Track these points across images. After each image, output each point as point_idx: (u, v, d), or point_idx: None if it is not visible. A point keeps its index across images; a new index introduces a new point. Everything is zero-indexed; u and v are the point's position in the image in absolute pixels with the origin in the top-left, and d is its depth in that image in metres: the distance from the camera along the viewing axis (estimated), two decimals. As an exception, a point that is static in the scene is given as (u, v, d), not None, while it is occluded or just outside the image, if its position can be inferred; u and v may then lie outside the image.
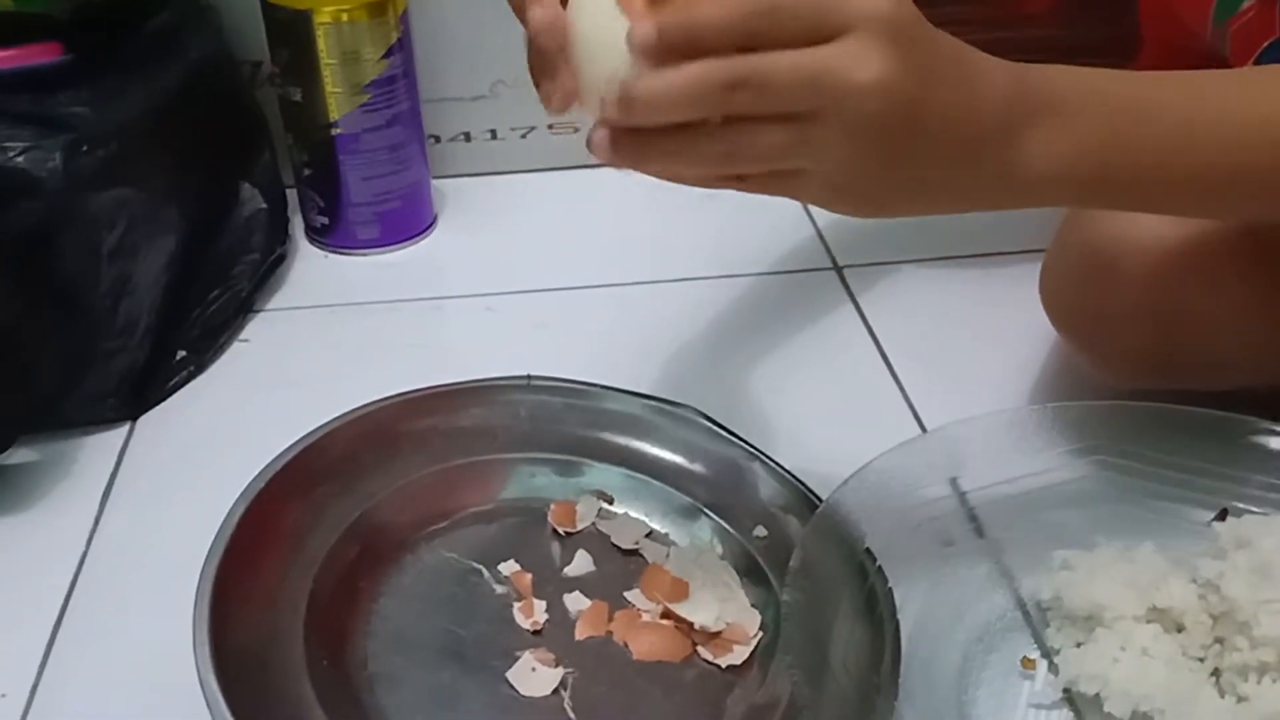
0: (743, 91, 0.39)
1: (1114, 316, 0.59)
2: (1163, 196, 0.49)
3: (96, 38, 0.69)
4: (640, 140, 0.41)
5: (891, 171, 0.43)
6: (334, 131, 0.79)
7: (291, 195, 0.84)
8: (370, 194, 0.82)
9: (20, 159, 0.62)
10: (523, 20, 0.43)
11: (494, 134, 0.92)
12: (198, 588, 0.48)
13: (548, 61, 0.43)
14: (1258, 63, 0.63)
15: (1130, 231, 0.58)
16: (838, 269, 0.81)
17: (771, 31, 0.39)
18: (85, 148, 0.64)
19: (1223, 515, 0.54)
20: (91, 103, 0.67)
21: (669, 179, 0.43)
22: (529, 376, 0.62)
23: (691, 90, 0.39)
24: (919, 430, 0.67)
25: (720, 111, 0.40)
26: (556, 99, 0.43)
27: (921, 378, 0.71)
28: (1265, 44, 0.62)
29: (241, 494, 0.52)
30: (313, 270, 0.83)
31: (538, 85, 0.44)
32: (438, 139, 0.90)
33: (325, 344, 0.76)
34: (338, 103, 0.78)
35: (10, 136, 0.63)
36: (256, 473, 0.54)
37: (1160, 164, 0.47)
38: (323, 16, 0.75)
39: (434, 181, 0.87)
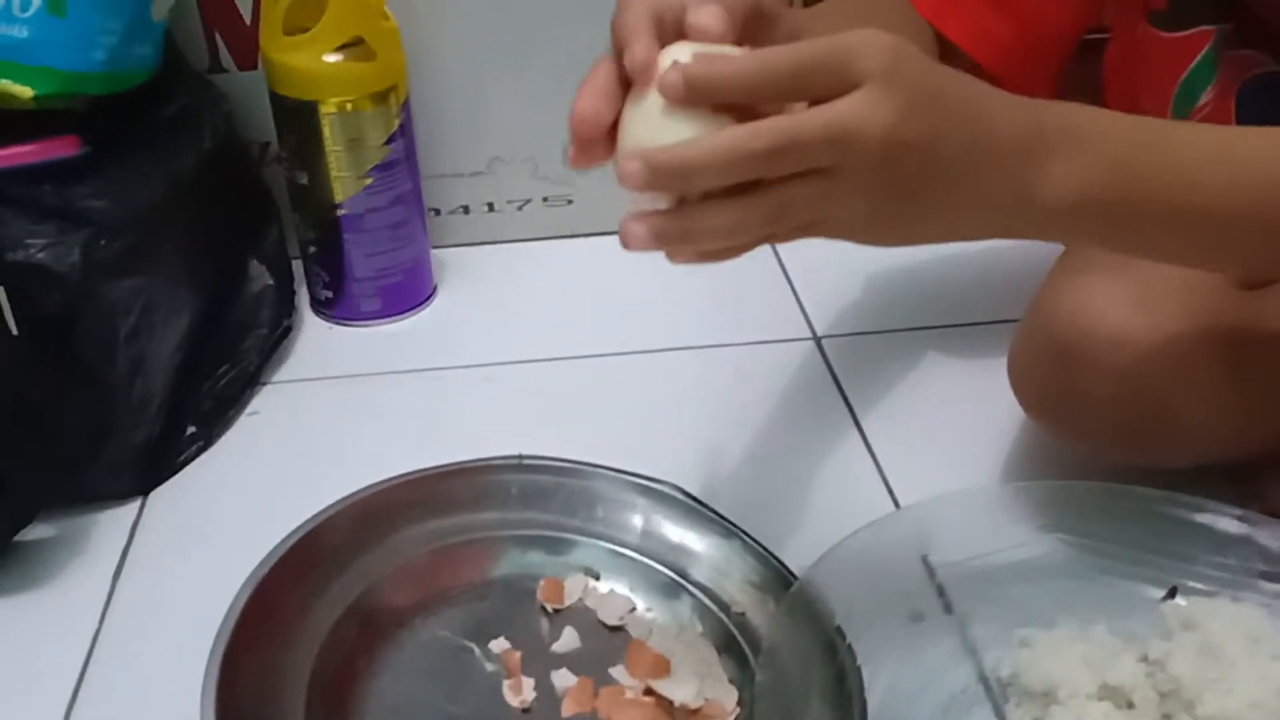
0: (776, 158, 0.42)
1: (1082, 402, 0.61)
2: (1175, 232, 0.50)
3: (114, 129, 0.73)
4: (680, 218, 0.43)
5: (913, 207, 0.45)
6: (339, 212, 0.83)
7: (296, 265, 0.88)
8: (373, 269, 0.86)
9: (42, 255, 0.66)
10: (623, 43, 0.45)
11: (491, 206, 0.95)
12: (206, 668, 0.51)
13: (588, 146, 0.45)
14: None
15: (1098, 322, 0.59)
16: (816, 339, 0.84)
17: (794, 91, 0.42)
18: (104, 241, 0.68)
19: (1172, 593, 0.57)
20: (109, 195, 0.70)
21: (698, 259, 0.45)
22: (520, 456, 0.65)
23: (731, 155, 0.41)
24: (892, 503, 0.70)
25: (754, 176, 0.42)
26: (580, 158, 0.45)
27: (896, 449, 0.74)
28: None
29: (248, 578, 0.55)
30: (318, 342, 0.86)
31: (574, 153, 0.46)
32: (437, 211, 0.94)
33: (330, 415, 0.79)
34: (343, 185, 0.82)
35: (33, 233, 0.67)
36: (265, 549, 0.57)
37: (1173, 196, 0.48)
38: (328, 106, 0.79)
39: (434, 251, 0.91)
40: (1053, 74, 0.66)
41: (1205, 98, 0.65)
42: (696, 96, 0.42)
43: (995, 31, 0.63)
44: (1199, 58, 0.64)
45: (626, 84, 0.45)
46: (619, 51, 0.44)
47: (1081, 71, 0.74)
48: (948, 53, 0.63)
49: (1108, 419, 0.61)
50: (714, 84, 0.42)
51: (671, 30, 0.45)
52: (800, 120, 0.42)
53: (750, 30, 0.46)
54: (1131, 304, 0.60)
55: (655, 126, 0.43)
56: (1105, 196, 0.47)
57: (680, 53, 0.44)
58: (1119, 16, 0.71)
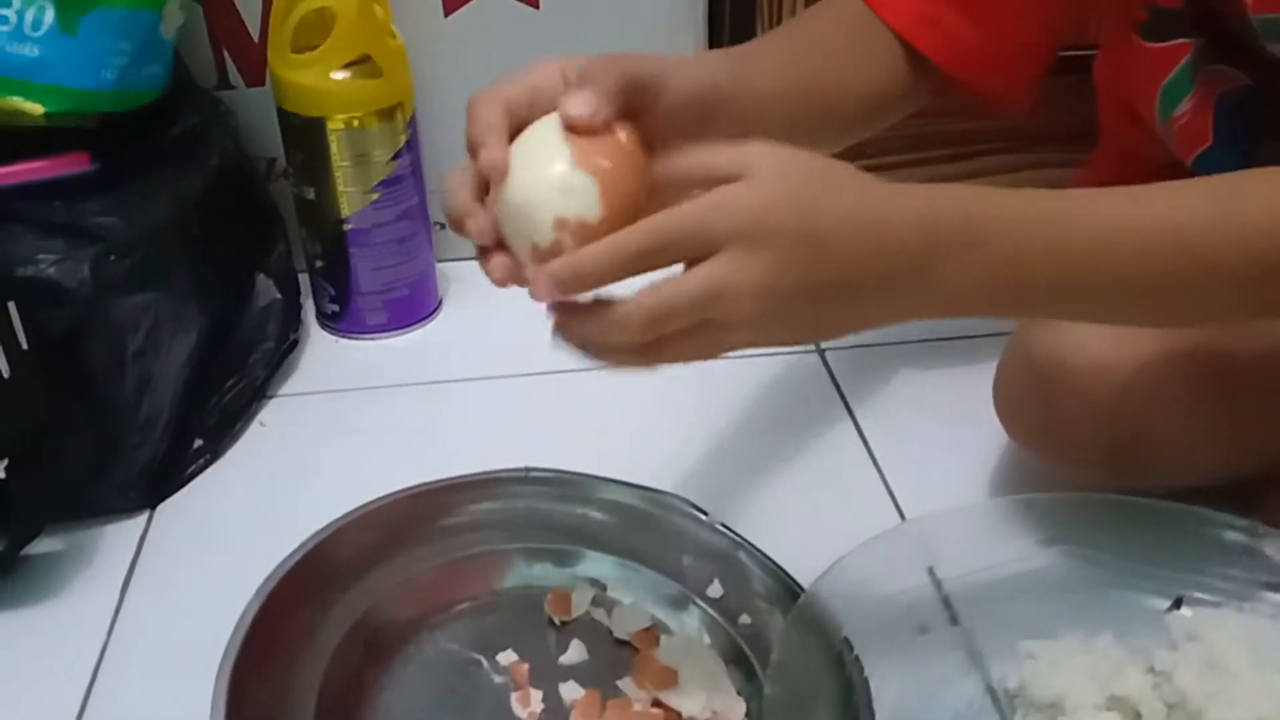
0: (652, 328, 0.44)
1: (1067, 433, 0.62)
2: (1080, 306, 0.52)
3: (123, 146, 0.73)
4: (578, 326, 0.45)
5: (810, 329, 0.48)
6: (345, 227, 0.84)
7: (303, 280, 0.88)
8: (379, 283, 0.86)
9: (51, 270, 0.67)
10: (458, 228, 0.48)
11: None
12: (215, 684, 0.52)
13: (487, 253, 0.48)
14: (1195, 165, 0.67)
15: (1080, 352, 0.61)
16: (820, 351, 0.84)
17: (658, 263, 0.44)
18: (113, 257, 0.69)
19: (1178, 604, 0.58)
20: (119, 211, 0.71)
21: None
22: (527, 468, 0.66)
23: (611, 333, 0.44)
24: (898, 515, 0.70)
25: (639, 341, 0.45)
26: (500, 275, 0.47)
27: (901, 461, 0.74)
28: (1200, 150, 0.66)
29: (255, 593, 0.56)
30: (324, 355, 0.87)
31: (482, 265, 0.48)
32: (443, 226, 0.94)
33: (336, 428, 0.79)
34: (349, 201, 0.83)
35: (42, 248, 0.67)
36: (271, 563, 0.58)
37: (1069, 278, 0.49)
38: (335, 123, 0.80)
39: (439, 266, 0.91)
40: (1029, 83, 0.66)
41: (1183, 107, 0.65)
42: (569, 292, 0.44)
43: (965, 41, 0.63)
44: (1177, 69, 0.65)
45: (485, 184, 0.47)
46: (474, 153, 0.47)
47: (1070, 83, 0.75)
48: (919, 67, 0.63)
49: (1093, 448, 0.62)
50: (581, 281, 0.44)
51: (527, 116, 0.47)
52: (670, 290, 0.44)
53: (633, 104, 0.48)
54: (1110, 334, 0.61)
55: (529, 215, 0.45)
56: (1002, 283, 0.48)
57: (546, 128, 0.46)
58: (1110, 27, 0.72)
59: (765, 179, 0.44)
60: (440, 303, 0.91)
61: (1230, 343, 0.61)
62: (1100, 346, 0.60)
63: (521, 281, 0.46)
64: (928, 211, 0.47)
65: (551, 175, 0.45)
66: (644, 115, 0.48)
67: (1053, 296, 0.50)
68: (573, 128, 0.45)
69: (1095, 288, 0.50)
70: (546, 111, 0.47)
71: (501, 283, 0.47)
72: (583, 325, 0.45)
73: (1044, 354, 0.62)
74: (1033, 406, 0.64)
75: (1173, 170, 0.69)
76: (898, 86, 0.63)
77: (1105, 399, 0.60)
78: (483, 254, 0.48)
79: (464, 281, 0.93)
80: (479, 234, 0.47)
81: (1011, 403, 0.66)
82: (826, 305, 0.46)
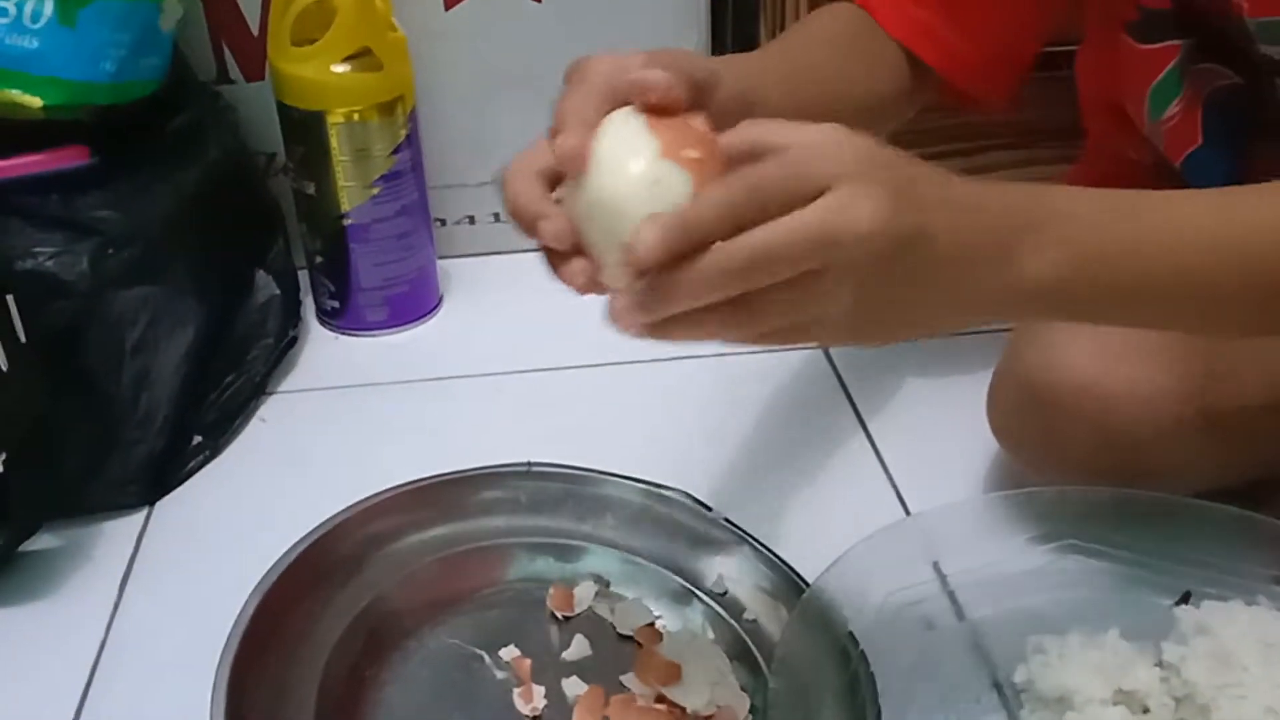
0: (756, 273, 0.40)
1: (1058, 448, 0.63)
2: (1150, 310, 0.50)
3: (122, 140, 0.73)
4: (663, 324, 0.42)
5: (896, 302, 0.44)
6: (345, 222, 0.83)
7: (302, 276, 0.88)
8: (380, 279, 0.86)
9: (50, 263, 0.66)
10: (530, 230, 0.44)
11: (497, 216, 0.95)
12: (214, 679, 0.51)
13: (563, 257, 0.44)
14: (1184, 166, 0.67)
15: (1070, 372, 0.61)
16: (825, 349, 0.84)
17: (760, 209, 0.41)
18: (111, 250, 0.68)
19: (1186, 598, 0.57)
20: (117, 205, 0.70)
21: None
22: (529, 463, 0.65)
23: (710, 282, 0.40)
24: (903, 511, 0.70)
25: (737, 292, 0.41)
26: (584, 280, 0.43)
27: (905, 457, 0.74)
28: (1190, 150, 0.66)
29: (256, 586, 0.55)
30: (324, 352, 0.86)
31: (555, 271, 0.44)
32: (443, 222, 0.94)
33: (336, 425, 0.79)
34: (349, 196, 0.82)
35: (41, 241, 0.67)
36: (271, 559, 0.57)
37: (1147, 280, 0.48)
38: (335, 117, 0.80)
39: (440, 262, 0.91)
40: (1015, 85, 0.68)
41: (1173, 109, 0.66)
42: (676, 249, 0.40)
43: (963, 54, 0.64)
44: (1166, 70, 0.65)
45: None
46: (554, 133, 0.43)
47: (1069, 79, 0.75)
48: (920, 73, 0.64)
49: (1087, 467, 0.62)
50: (688, 235, 0.40)
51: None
52: (768, 234, 0.40)
53: (691, 102, 0.45)
54: (1099, 352, 0.61)
55: (613, 213, 0.41)
56: (1080, 278, 0.47)
57: (623, 121, 0.43)
58: (1097, 25, 0.72)
59: (850, 136, 0.42)
60: (441, 299, 0.91)
61: (1220, 359, 0.61)
62: (1090, 367, 0.60)
63: (601, 288, 0.43)
64: (1012, 199, 0.46)
65: (639, 168, 0.41)
66: (698, 112, 0.46)
67: (1126, 298, 0.48)
68: (653, 109, 0.43)
69: (1172, 292, 0.48)
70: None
71: (584, 290, 0.43)
72: (670, 278, 0.40)
73: (1035, 374, 0.63)
74: (1026, 425, 0.65)
75: (1159, 170, 0.69)
76: (900, 91, 0.64)
77: (1096, 418, 0.60)
78: (557, 259, 0.43)
79: (465, 278, 0.93)
80: (556, 238, 0.42)
81: (1005, 421, 0.67)
82: (922, 272, 0.43)
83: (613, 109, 0.43)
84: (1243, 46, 0.60)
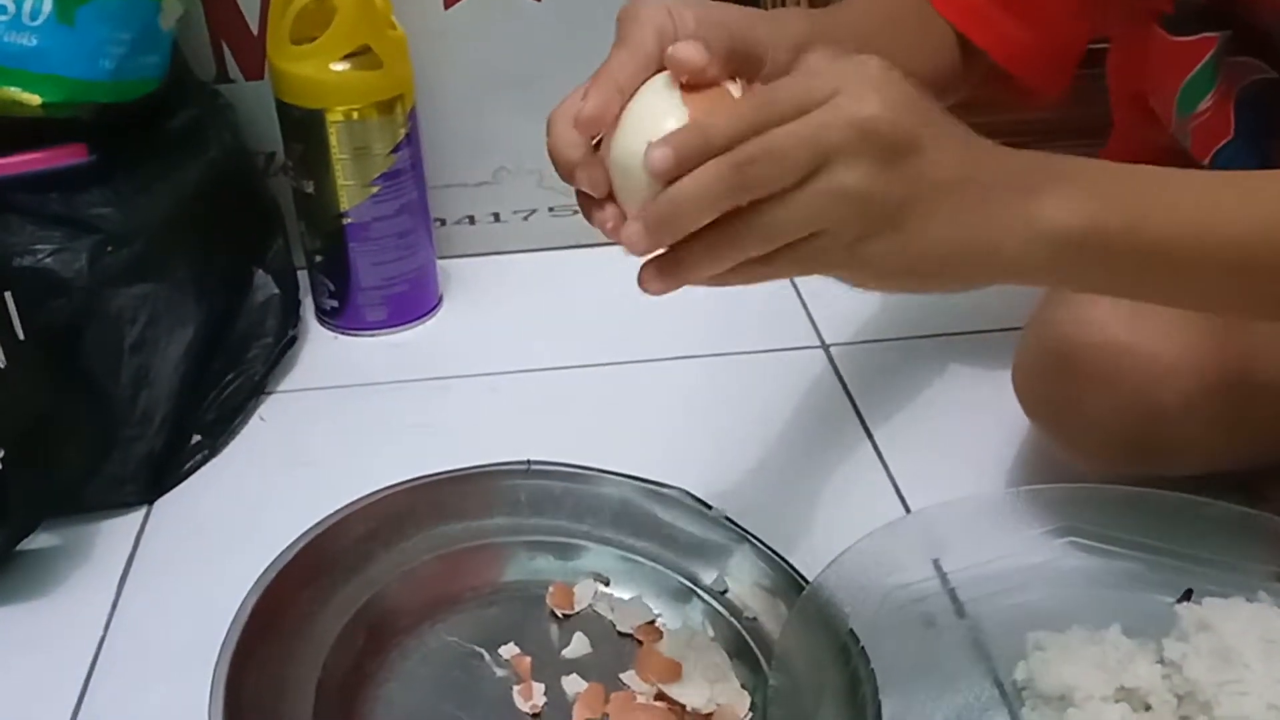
0: (755, 166, 0.41)
1: (1082, 413, 0.62)
2: (1170, 282, 0.49)
3: (121, 138, 0.73)
4: (679, 254, 0.43)
5: (901, 224, 0.43)
6: (345, 221, 0.83)
7: (302, 276, 0.88)
8: (379, 278, 0.85)
9: (49, 260, 0.66)
10: (567, 176, 0.45)
11: (497, 216, 0.95)
12: (213, 675, 0.51)
13: (597, 203, 0.45)
14: (1213, 162, 0.66)
15: (1098, 331, 0.60)
16: (825, 347, 0.84)
17: (774, 117, 0.41)
18: (110, 248, 0.68)
19: (1187, 595, 0.57)
20: (116, 203, 0.70)
21: (710, 284, 0.44)
22: (529, 462, 0.65)
23: (710, 183, 0.41)
24: (903, 508, 0.69)
25: (742, 195, 0.41)
26: (613, 225, 0.44)
27: (906, 455, 0.73)
28: (1220, 144, 0.66)
29: (255, 583, 0.55)
30: (323, 352, 0.86)
31: (589, 217, 0.46)
32: (443, 222, 0.94)
33: (336, 425, 0.79)
34: (349, 194, 0.82)
35: (40, 238, 0.67)
36: (269, 558, 0.57)
37: (1181, 232, 0.47)
38: (335, 115, 0.79)
39: (439, 262, 0.91)
40: (1067, 78, 0.67)
41: (1205, 104, 0.66)
42: (693, 162, 0.41)
43: (1017, 37, 0.64)
44: (1201, 64, 0.65)
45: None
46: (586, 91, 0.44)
47: (1085, 76, 0.75)
48: (970, 56, 0.64)
49: (1107, 429, 0.62)
50: (709, 147, 0.41)
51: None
52: (769, 132, 0.41)
53: (739, 65, 0.46)
54: (1128, 317, 0.60)
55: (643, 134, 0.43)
56: (1111, 226, 0.46)
57: (658, 85, 0.44)
58: (1126, 22, 0.72)
59: (886, 71, 0.43)
60: (440, 299, 0.90)
61: (1246, 330, 0.60)
62: (1120, 327, 0.60)
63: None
64: (1036, 155, 0.46)
65: (663, 132, 0.42)
66: (749, 76, 0.46)
67: (1145, 263, 0.47)
68: (685, 83, 0.44)
69: (1198, 260, 0.47)
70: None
71: (614, 233, 0.44)
72: (679, 185, 0.41)
73: (1062, 332, 0.62)
74: (1049, 384, 0.64)
75: (1185, 159, 0.69)
76: (949, 74, 0.63)
77: (1121, 378, 0.60)
78: (592, 204, 0.45)
79: (464, 278, 0.93)
80: (592, 185, 0.44)
81: (1029, 379, 0.66)
82: (935, 186, 0.43)
83: (652, 71, 0.45)
84: (1276, 44, 0.60)
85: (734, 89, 0.45)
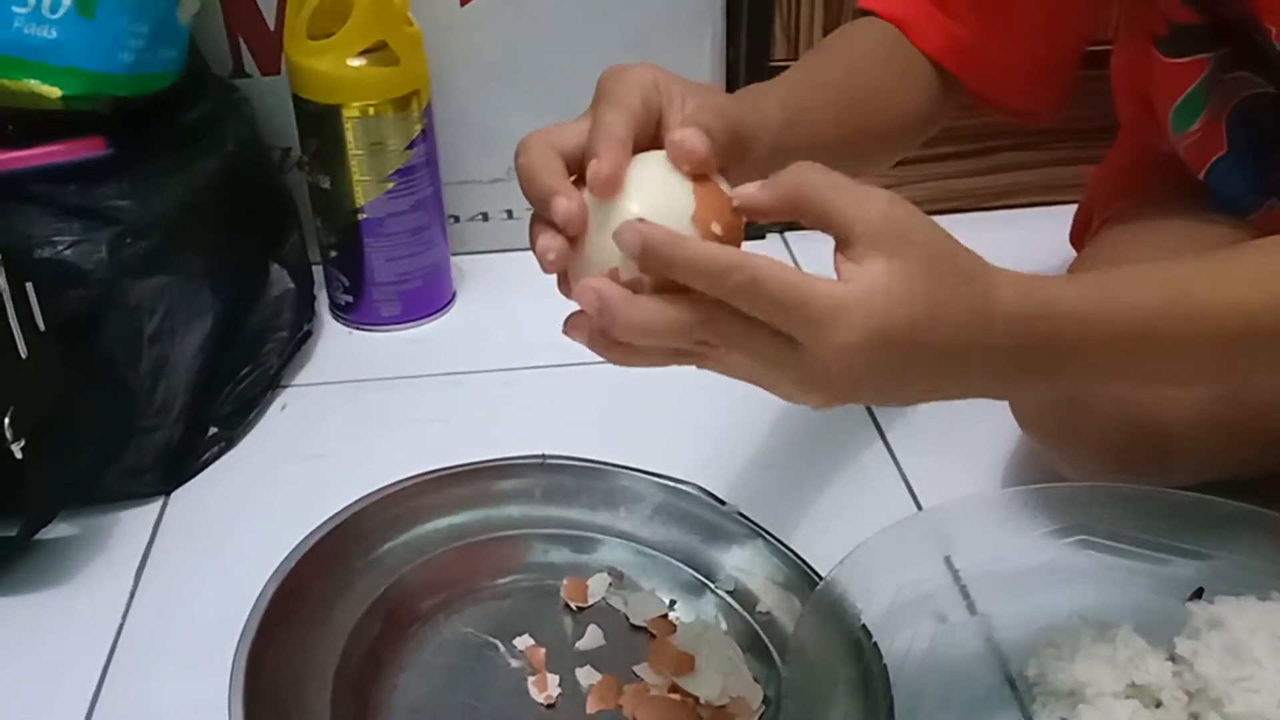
0: (718, 347, 0.42)
1: (1081, 426, 0.63)
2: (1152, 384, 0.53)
3: (138, 131, 0.73)
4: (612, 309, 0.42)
5: (885, 387, 0.43)
6: (360, 216, 0.83)
7: (317, 271, 0.88)
8: (393, 274, 0.86)
9: (68, 252, 0.67)
10: (541, 200, 0.44)
11: (510, 213, 0.96)
12: (233, 661, 0.51)
13: (546, 227, 0.44)
14: (1208, 175, 0.67)
15: None
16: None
17: (747, 304, 0.40)
18: (129, 240, 0.69)
19: (1199, 594, 0.57)
20: (134, 195, 0.71)
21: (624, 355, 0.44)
22: (544, 456, 0.66)
23: (673, 332, 0.41)
24: (914, 505, 0.70)
25: (696, 358, 0.43)
26: (552, 259, 0.44)
27: (918, 453, 0.74)
28: (1215, 158, 0.66)
29: (274, 572, 0.56)
30: (338, 346, 0.87)
31: (534, 236, 0.45)
32: (457, 219, 0.95)
33: (350, 419, 0.79)
34: (364, 190, 0.83)
35: (59, 230, 0.67)
36: (285, 549, 0.57)
37: (1147, 372, 0.49)
38: (351, 110, 0.80)
39: (453, 258, 0.91)
40: (1061, 94, 0.67)
41: (1196, 125, 0.66)
42: (653, 261, 0.41)
43: (1001, 67, 0.63)
44: (1193, 86, 0.65)
45: None
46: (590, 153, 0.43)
47: (1087, 79, 0.75)
48: (950, 84, 0.63)
49: (1107, 441, 0.62)
50: (665, 262, 0.40)
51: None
52: (794, 279, 0.40)
53: (729, 156, 0.45)
54: None
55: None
56: (1080, 389, 0.52)
57: (665, 169, 0.43)
58: (1131, 32, 0.72)
59: (885, 245, 0.41)
60: (454, 295, 0.91)
61: None
62: None
63: (564, 278, 0.44)
64: (1025, 323, 0.44)
65: (675, 219, 0.42)
66: (734, 167, 0.46)
67: (1129, 384, 0.53)
68: (690, 173, 0.43)
69: (1171, 375, 0.50)
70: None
71: (550, 267, 0.43)
72: (636, 304, 0.41)
73: None
74: (1050, 404, 0.64)
75: (1187, 172, 0.69)
76: (934, 106, 0.63)
77: (1123, 402, 0.60)
78: (543, 227, 0.44)
79: (478, 275, 0.93)
80: (568, 220, 0.42)
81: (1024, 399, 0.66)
82: (912, 373, 0.43)
83: (643, 130, 0.44)
84: (1274, 60, 0.61)
85: (724, 187, 0.44)
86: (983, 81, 0.64)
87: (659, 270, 0.41)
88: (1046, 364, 0.46)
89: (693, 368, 0.46)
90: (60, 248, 0.67)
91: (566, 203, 0.42)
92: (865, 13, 0.64)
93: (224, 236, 0.78)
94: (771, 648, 0.58)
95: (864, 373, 0.41)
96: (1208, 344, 0.48)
